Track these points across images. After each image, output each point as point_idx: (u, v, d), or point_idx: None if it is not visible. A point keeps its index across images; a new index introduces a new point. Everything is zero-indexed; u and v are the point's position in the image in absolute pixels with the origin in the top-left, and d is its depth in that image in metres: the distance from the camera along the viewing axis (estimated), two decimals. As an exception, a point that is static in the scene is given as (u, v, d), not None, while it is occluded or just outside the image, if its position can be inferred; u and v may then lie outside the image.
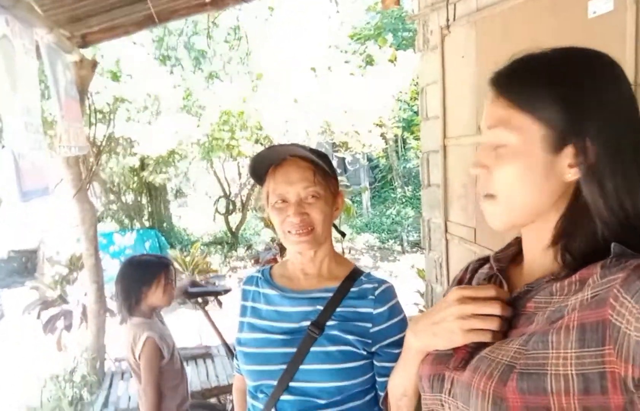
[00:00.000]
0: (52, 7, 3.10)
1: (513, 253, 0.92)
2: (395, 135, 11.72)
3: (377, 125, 8.63)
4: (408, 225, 11.19)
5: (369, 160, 14.11)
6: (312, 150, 1.35)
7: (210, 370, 3.59)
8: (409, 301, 4.68)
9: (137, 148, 8.22)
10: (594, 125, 0.72)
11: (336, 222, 1.49)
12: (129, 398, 3.32)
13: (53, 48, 3.11)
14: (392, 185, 14.35)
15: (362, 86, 8.31)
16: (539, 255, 0.82)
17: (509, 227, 0.81)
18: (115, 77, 8.43)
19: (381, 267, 9.40)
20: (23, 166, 2.10)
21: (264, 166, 1.37)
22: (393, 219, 12.52)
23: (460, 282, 1.01)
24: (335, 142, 9.99)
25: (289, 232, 1.32)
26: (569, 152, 0.73)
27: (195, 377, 3.47)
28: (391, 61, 8.69)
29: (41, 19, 2.82)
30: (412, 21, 3.97)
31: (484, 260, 0.98)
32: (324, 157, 1.38)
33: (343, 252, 8.95)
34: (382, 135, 8.83)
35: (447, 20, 2.98)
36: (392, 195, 14.13)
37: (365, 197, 13.51)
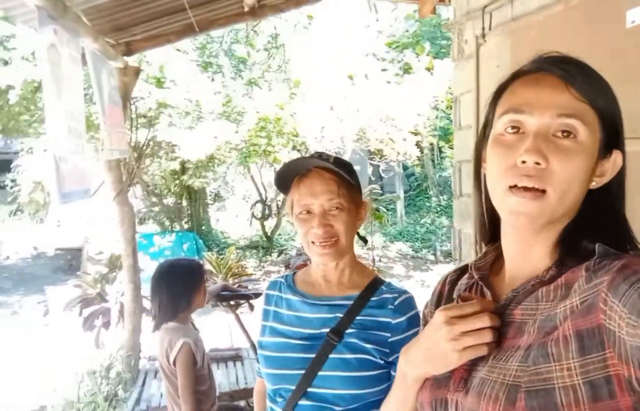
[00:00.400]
0: (98, 17, 3.25)
1: (491, 260, 0.91)
2: (431, 144, 11.60)
3: (413, 133, 8.57)
4: (442, 235, 11.06)
5: (405, 168, 14.01)
6: (336, 161, 1.37)
7: (239, 372, 3.65)
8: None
9: (178, 152, 8.43)
10: (623, 141, 0.78)
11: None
12: (161, 395, 3.41)
13: (98, 56, 3.25)
14: (427, 193, 14.20)
15: (399, 94, 8.27)
16: (524, 259, 0.81)
17: (542, 227, 0.76)
18: (159, 83, 8.68)
19: (413, 276, 9.31)
20: (65, 169, 2.20)
21: (289, 177, 1.40)
22: (427, 228, 12.38)
23: (440, 295, 0.98)
24: (371, 149, 9.98)
25: (312, 242, 1.35)
26: (606, 161, 0.76)
27: (225, 379, 3.54)
28: (428, 69, 8.62)
29: (87, 28, 2.95)
30: (448, 29, 3.95)
31: (462, 271, 0.96)
32: (348, 167, 1.40)
33: (374, 260, 8.92)
34: (418, 144, 8.76)
35: (483, 29, 2.95)
36: (427, 204, 13.98)
37: (400, 205, 13.40)
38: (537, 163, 0.71)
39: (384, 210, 8.67)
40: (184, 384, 2.36)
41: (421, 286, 8.47)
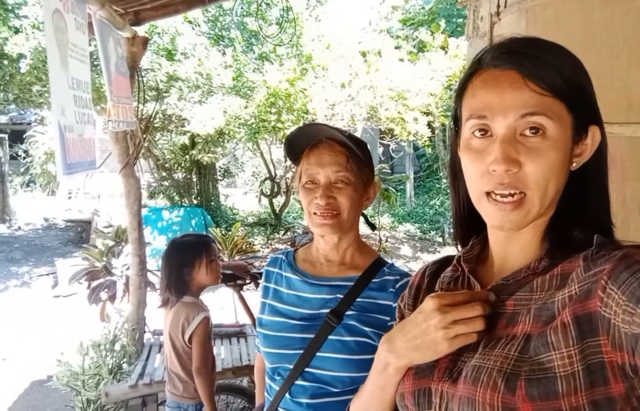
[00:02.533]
0: (106, -17, 3.18)
1: (478, 251, 0.89)
2: (443, 125, 11.45)
3: (424, 113, 8.44)
4: (451, 217, 10.98)
5: (415, 148, 13.91)
6: (350, 136, 1.34)
7: (243, 348, 3.64)
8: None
9: (188, 126, 8.39)
10: (599, 113, 0.76)
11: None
12: (165, 369, 3.42)
13: (105, 24, 3.19)
14: (437, 175, 14.11)
15: (412, 73, 8.14)
16: (513, 250, 0.80)
17: (528, 224, 0.76)
18: (170, 55, 8.62)
19: (421, 258, 9.27)
20: (70, 139, 2.16)
21: (300, 145, 1.37)
22: (436, 210, 12.33)
23: (418, 288, 0.96)
24: (381, 128, 9.87)
25: (314, 213, 1.32)
26: (584, 139, 0.75)
27: (228, 355, 3.53)
28: (443, 48, 8.45)
29: (94, -5, 2.89)
30: (463, 6, 3.84)
31: (441, 263, 0.96)
32: (361, 144, 1.37)
33: (380, 241, 8.87)
34: (429, 124, 8.64)
35: (498, 7, 2.85)
36: (437, 185, 13.90)
37: (409, 186, 13.34)
38: (508, 170, 0.71)
39: (393, 190, 8.59)
40: (201, 359, 2.40)
41: (428, 268, 8.39)
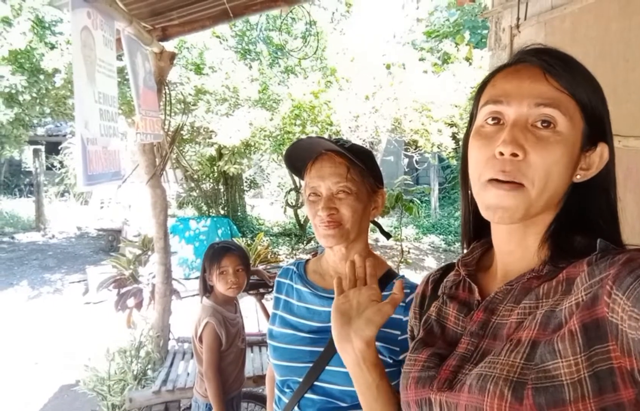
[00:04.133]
0: (134, 1, 3.31)
1: (478, 256, 0.90)
2: (468, 136, 11.35)
3: (449, 124, 8.39)
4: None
5: (440, 160, 13.80)
6: (352, 146, 1.34)
7: (264, 357, 3.68)
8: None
9: (215, 138, 8.55)
10: (610, 134, 0.76)
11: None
12: (187, 375, 3.49)
13: (133, 40, 3.31)
14: (463, 186, 13.88)
15: (436, 84, 8.11)
16: (516, 254, 0.80)
17: (520, 221, 0.76)
18: (198, 69, 8.81)
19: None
20: (92, 151, 2.25)
21: (301, 160, 1.38)
22: (461, 221, 12.16)
23: (423, 296, 0.98)
24: (406, 140, 9.83)
25: (318, 225, 1.33)
26: (592, 153, 0.75)
27: (249, 363, 3.57)
28: (467, 59, 8.40)
29: (122, 12, 3.00)
30: (485, 18, 3.83)
31: (444, 270, 0.96)
32: (364, 153, 1.37)
33: (402, 252, 8.79)
34: (454, 136, 8.57)
35: (518, 19, 2.85)
36: (462, 196, 13.68)
37: (434, 197, 13.21)
38: (514, 155, 0.71)
39: (418, 202, 8.54)
40: (207, 362, 2.46)
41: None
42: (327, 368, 1.27)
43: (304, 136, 8.02)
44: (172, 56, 4.24)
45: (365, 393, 0.92)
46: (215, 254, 2.59)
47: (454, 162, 13.63)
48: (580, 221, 0.76)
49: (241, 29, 10.10)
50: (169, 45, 4.14)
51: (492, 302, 0.80)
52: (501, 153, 0.72)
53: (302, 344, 1.33)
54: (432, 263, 9.57)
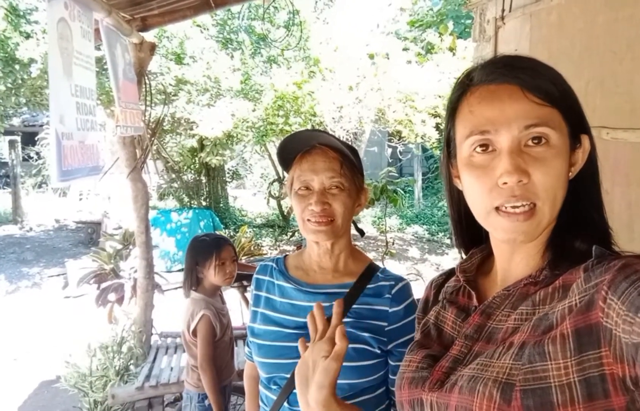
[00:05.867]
0: (113, -10, 3.22)
1: (477, 262, 0.90)
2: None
3: (432, 115, 8.42)
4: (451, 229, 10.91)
5: (424, 150, 13.86)
6: (341, 142, 1.33)
7: (245, 348, 3.65)
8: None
9: (196, 129, 8.45)
10: (588, 125, 0.77)
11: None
12: (171, 370, 3.45)
13: (112, 30, 3.22)
14: (446, 176, 13.98)
15: (420, 75, 8.12)
16: (516, 261, 0.80)
17: (539, 236, 0.76)
18: (179, 59, 8.68)
19: (428, 259, 9.23)
20: (68, 146, 2.18)
21: (292, 153, 1.36)
22: (444, 211, 12.27)
23: (426, 301, 0.99)
24: (389, 130, 9.84)
25: (308, 220, 1.31)
26: (577, 149, 0.76)
27: (234, 357, 3.54)
28: (451, 49, 8.42)
29: (100, 2, 2.92)
30: (470, 9, 3.82)
31: (447, 275, 0.97)
32: (353, 150, 1.36)
33: (387, 243, 8.83)
34: (438, 126, 8.62)
35: (503, 11, 2.84)
36: (446, 186, 13.79)
37: (418, 187, 13.28)
38: (520, 181, 0.71)
39: (402, 192, 8.57)
40: (203, 354, 2.47)
41: (436, 269, 8.42)
42: None
43: (287, 127, 8.02)
44: (153, 47, 4.15)
45: None
46: (212, 246, 2.60)
47: (437, 152, 13.71)
48: (575, 219, 0.76)
49: (222, 18, 9.96)
50: (149, 36, 4.05)
51: (489, 306, 0.80)
52: (506, 183, 0.71)
53: (289, 340, 1.32)
54: (416, 254, 9.63)
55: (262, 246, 8.89)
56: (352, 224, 1.54)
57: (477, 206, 0.78)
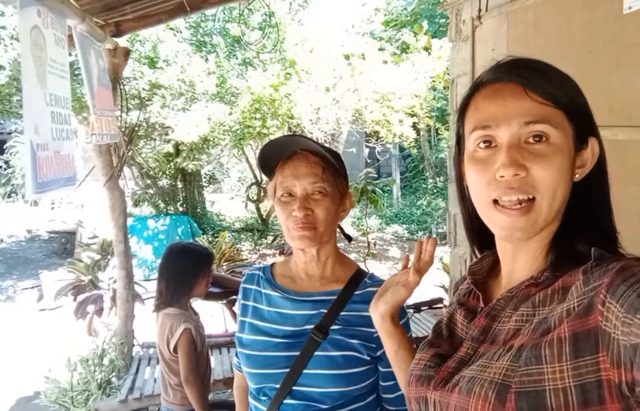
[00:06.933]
0: (85, -4, 3.14)
1: (489, 265, 0.91)
2: (428, 125, 11.50)
3: (409, 114, 8.49)
4: (438, 217, 11.02)
5: (401, 149, 13.95)
6: (323, 147, 1.32)
7: (234, 359, 3.61)
8: (434, 295, 4.57)
9: (172, 134, 8.34)
10: (597, 129, 0.78)
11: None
12: (155, 381, 3.39)
13: (86, 37, 3.15)
14: (424, 175, 14.17)
15: (396, 74, 8.17)
16: (519, 262, 0.81)
17: (538, 234, 0.77)
18: (152, 63, 8.56)
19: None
20: (43, 157, 2.12)
21: (273, 159, 1.35)
22: (423, 210, 12.39)
23: (451, 304, 1.01)
24: (367, 131, 9.89)
25: (292, 227, 1.30)
26: (584, 151, 0.76)
27: (219, 365, 3.51)
28: (426, 49, 8.50)
29: (74, 8, 2.85)
30: (446, 9, 3.86)
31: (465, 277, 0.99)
32: (335, 154, 1.35)
33: (368, 245, 8.86)
34: (415, 125, 8.69)
35: (479, 10, 2.87)
36: (423, 185, 13.97)
37: (396, 187, 13.36)
38: (516, 175, 0.72)
39: (380, 192, 8.62)
40: (187, 368, 2.39)
41: (417, 268, 8.40)
42: (305, 371, 1.25)
43: (265, 130, 7.97)
44: (127, 52, 4.08)
45: (390, 358, 1.06)
46: (210, 256, 2.57)
47: (414, 151, 13.85)
48: (581, 222, 0.77)
49: (196, 20, 9.87)
50: (122, 40, 3.98)
51: (494, 308, 0.81)
52: (502, 176, 0.73)
53: (277, 350, 1.30)
54: (397, 253, 9.69)
55: (241, 251, 8.81)
56: (338, 229, 1.53)
57: (477, 200, 0.79)
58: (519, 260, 0.81)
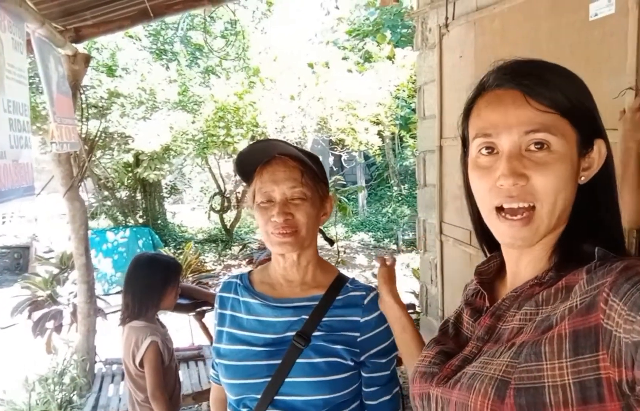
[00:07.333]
0: (45, 0, 3.03)
1: (497, 265, 0.92)
2: (392, 133, 11.65)
3: (374, 122, 8.58)
4: (404, 224, 11.12)
5: (366, 157, 14.06)
6: (302, 151, 1.31)
7: (202, 372, 3.52)
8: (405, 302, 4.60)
9: (132, 144, 8.13)
10: (604, 130, 0.78)
11: (330, 221, 1.46)
12: (119, 400, 3.27)
13: (45, 42, 3.04)
14: (389, 183, 14.30)
15: (360, 83, 8.25)
16: (524, 263, 0.82)
17: (539, 240, 0.77)
18: (110, 71, 8.34)
19: (376, 266, 9.27)
20: (2, 165, 2.01)
21: (251, 164, 1.32)
22: (389, 217, 12.47)
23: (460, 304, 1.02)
24: (332, 139, 9.93)
25: (272, 232, 1.27)
26: (591, 153, 0.76)
27: (187, 379, 3.41)
28: (389, 58, 8.62)
29: (33, 12, 2.74)
30: (411, 18, 3.91)
31: None
32: (314, 158, 1.34)
33: (338, 252, 8.87)
34: (379, 133, 8.77)
35: (446, 19, 2.93)
36: (388, 193, 14.09)
37: (361, 195, 13.45)
38: (516, 184, 0.73)
39: (346, 200, 8.65)
40: (154, 383, 2.30)
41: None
42: (287, 380, 1.22)
43: (229, 139, 7.88)
44: (87, 59, 3.96)
45: (397, 342, 1.24)
46: (178, 269, 2.48)
47: (379, 159, 13.98)
48: (589, 221, 0.77)
49: (155, 28, 9.70)
50: (80, 47, 3.86)
51: (499, 308, 0.82)
52: (502, 185, 0.74)
53: (258, 359, 1.26)
54: (364, 261, 9.71)
55: (205, 262, 8.64)
56: (320, 234, 1.51)
57: (481, 205, 0.81)
58: (524, 261, 0.82)
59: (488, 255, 0.95)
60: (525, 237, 0.74)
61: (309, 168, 1.29)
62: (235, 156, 9.47)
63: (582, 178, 0.77)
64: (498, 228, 0.77)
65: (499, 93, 0.77)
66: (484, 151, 0.78)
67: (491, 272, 0.92)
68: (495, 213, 0.76)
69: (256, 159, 1.31)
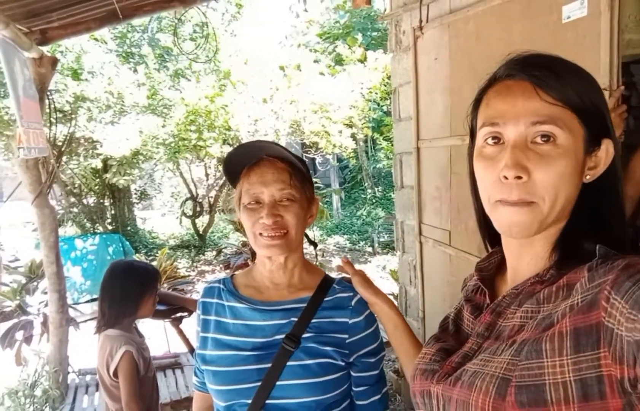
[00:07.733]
0: (9, 0, 2.93)
1: (497, 262, 0.92)
2: (365, 136, 11.71)
3: (347, 125, 8.61)
4: (379, 226, 11.19)
5: (339, 160, 14.08)
6: (290, 153, 1.30)
7: (180, 380, 3.47)
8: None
9: (100, 149, 7.94)
10: (612, 129, 0.77)
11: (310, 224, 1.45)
12: (94, 410, 3.19)
13: (10, 44, 2.95)
14: (362, 185, 14.38)
15: (332, 86, 8.26)
16: (525, 260, 0.82)
17: (535, 234, 0.77)
18: (76, 75, 8.14)
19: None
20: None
21: (238, 166, 1.30)
22: (364, 220, 12.53)
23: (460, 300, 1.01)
24: (306, 142, 9.93)
25: (260, 234, 1.25)
26: (598, 151, 0.76)
27: (164, 388, 3.35)
28: (361, 61, 8.67)
29: (-4, 13, 2.65)
30: (382, 21, 3.94)
31: None
32: (301, 160, 1.33)
33: (316, 255, 8.84)
34: (353, 136, 8.80)
35: (420, 21, 2.95)
36: (362, 195, 14.16)
37: (336, 198, 13.48)
38: (518, 177, 0.72)
39: (321, 204, 8.64)
40: (129, 393, 2.23)
41: (360, 278, 8.47)
42: (279, 383, 1.21)
43: (201, 142, 7.78)
44: (54, 62, 3.85)
45: (390, 339, 1.25)
46: (156, 276, 2.40)
47: (353, 162, 14.02)
48: (593, 221, 0.77)
49: (121, 31, 9.51)
50: (45, 50, 3.75)
51: (499, 305, 0.82)
52: (505, 177, 0.73)
53: (247, 363, 1.25)
54: (340, 264, 9.68)
55: (178, 268, 8.49)
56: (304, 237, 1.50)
57: (483, 197, 0.80)
58: (524, 257, 0.82)
59: (490, 250, 0.95)
60: (523, 222, 0.74)
61: (297, 169, 1.28)
62: (206, 160, 9.37)
63: (588, 176, 0.76)
64: (498, 214, 0.77)
65: (510, 83, 0.77)
66: (490, 141, 0.77)
67: (492, 268, 0.92)
68: (496, 204, 0.76)
69: (243, 160, 1.29)
